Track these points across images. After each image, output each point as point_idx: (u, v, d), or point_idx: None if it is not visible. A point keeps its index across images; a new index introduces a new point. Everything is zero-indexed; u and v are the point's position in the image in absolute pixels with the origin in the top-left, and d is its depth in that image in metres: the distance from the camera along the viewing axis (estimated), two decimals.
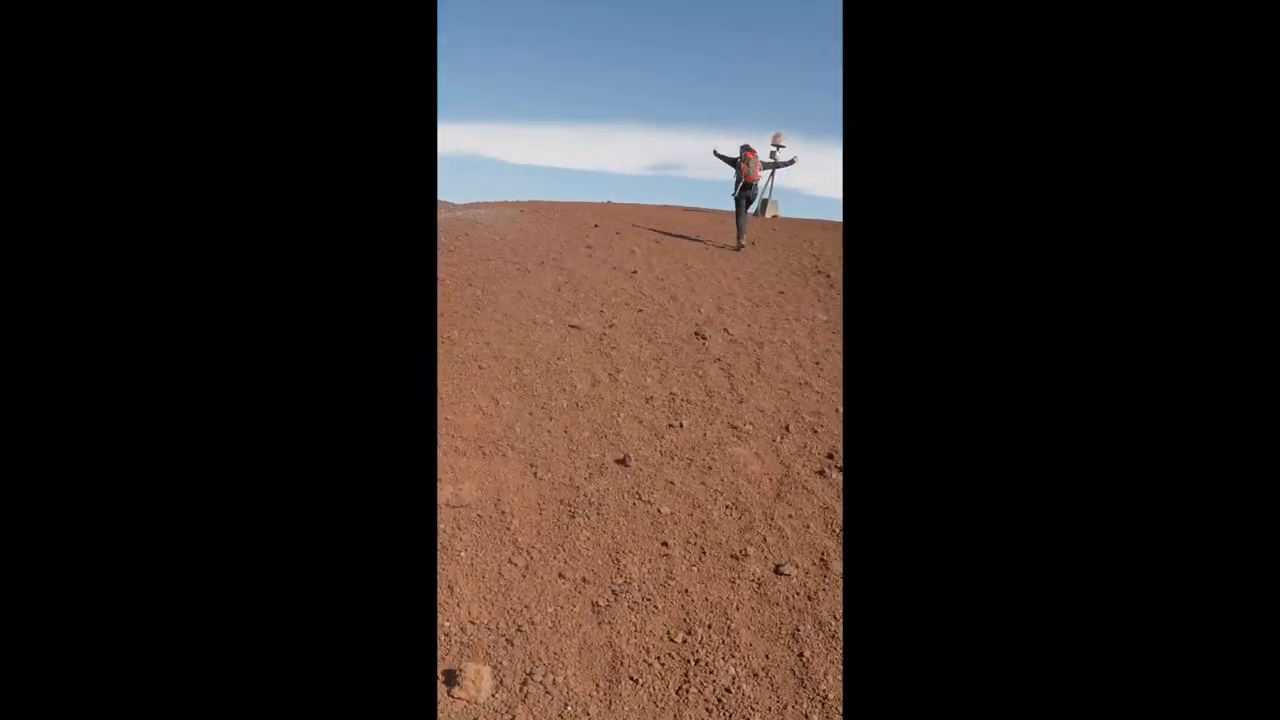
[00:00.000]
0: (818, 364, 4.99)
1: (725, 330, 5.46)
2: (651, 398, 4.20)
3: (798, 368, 4.88)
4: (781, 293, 6.98)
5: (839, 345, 5.46)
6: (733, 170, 8.87)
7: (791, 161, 10.10)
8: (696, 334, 5.26)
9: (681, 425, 3.91)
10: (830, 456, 3.75)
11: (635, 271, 6.99)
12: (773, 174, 14.93)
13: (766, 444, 3.81)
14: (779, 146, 15.14)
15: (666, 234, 10.57)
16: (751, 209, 9.49)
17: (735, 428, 3.95)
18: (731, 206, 9.23)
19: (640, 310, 5.75)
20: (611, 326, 5.29)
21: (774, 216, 15.53)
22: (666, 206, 17.66)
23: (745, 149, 8.83)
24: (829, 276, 7.97)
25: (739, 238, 9.00)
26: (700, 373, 4.62)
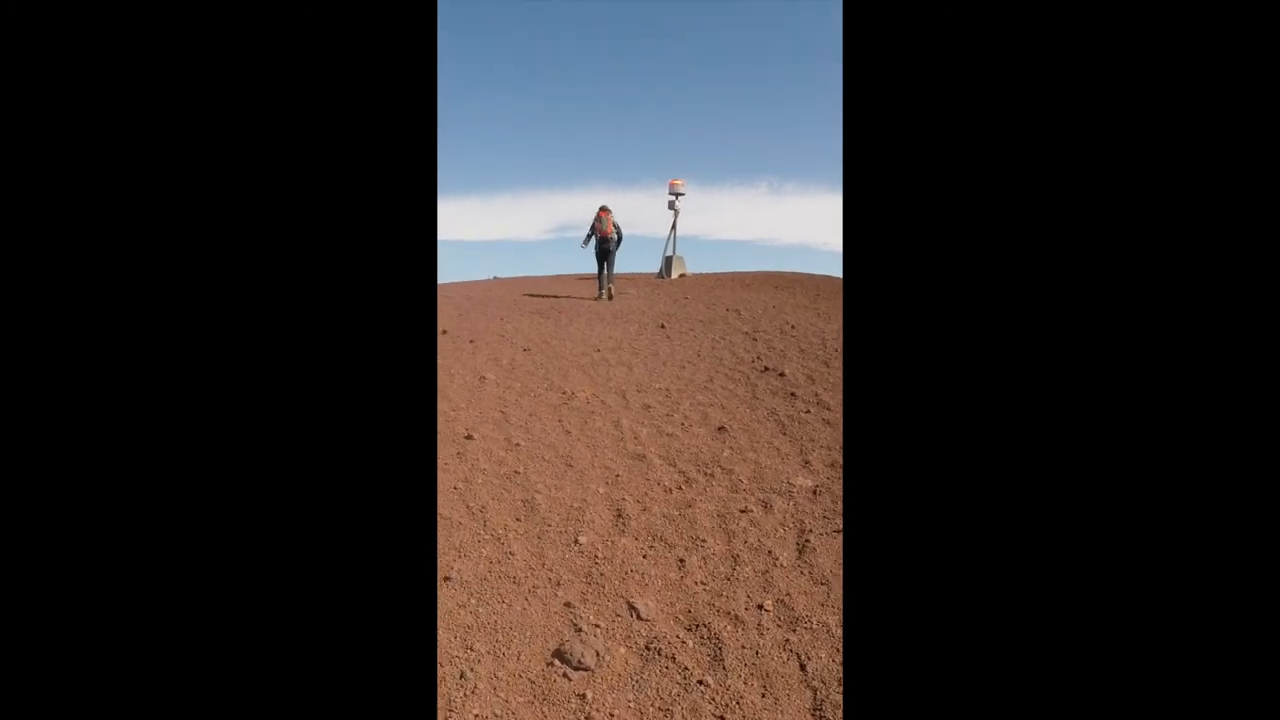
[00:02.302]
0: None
1: (633, 609, 2.37)
2: None
3: None
4: (721, 428, 4.01)
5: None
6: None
7: (619, 240, 9.59)
8: (560, 659, 2.14)
9: None
10: None
11: (470, 436, 3.86)
12: (673, 229, 12.38)
13: None
14: (678, 194, 12.60)
15: (547, 315, 7.56)
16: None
17: None
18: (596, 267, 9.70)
19: (446, 577, 2.59)
20: None
21: (682, 276, 12.81)
22: (558, 276, 14.74)
23: (601, 209, 9.35)
24: (783, 374, 5.08)
25: (600, 290, 9.42)
26: None
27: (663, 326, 7.10)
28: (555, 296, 10.29)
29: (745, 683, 2.02)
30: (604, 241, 9.28)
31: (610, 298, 9.24)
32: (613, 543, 2.75)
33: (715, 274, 13.25)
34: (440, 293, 10.50)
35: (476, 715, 1.88)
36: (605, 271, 9.41)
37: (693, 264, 13.13)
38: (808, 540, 2.79)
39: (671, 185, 12.47)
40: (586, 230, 9.37)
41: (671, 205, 12.53)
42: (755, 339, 6.38)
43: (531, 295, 10.46)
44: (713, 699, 1.96)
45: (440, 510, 3.05)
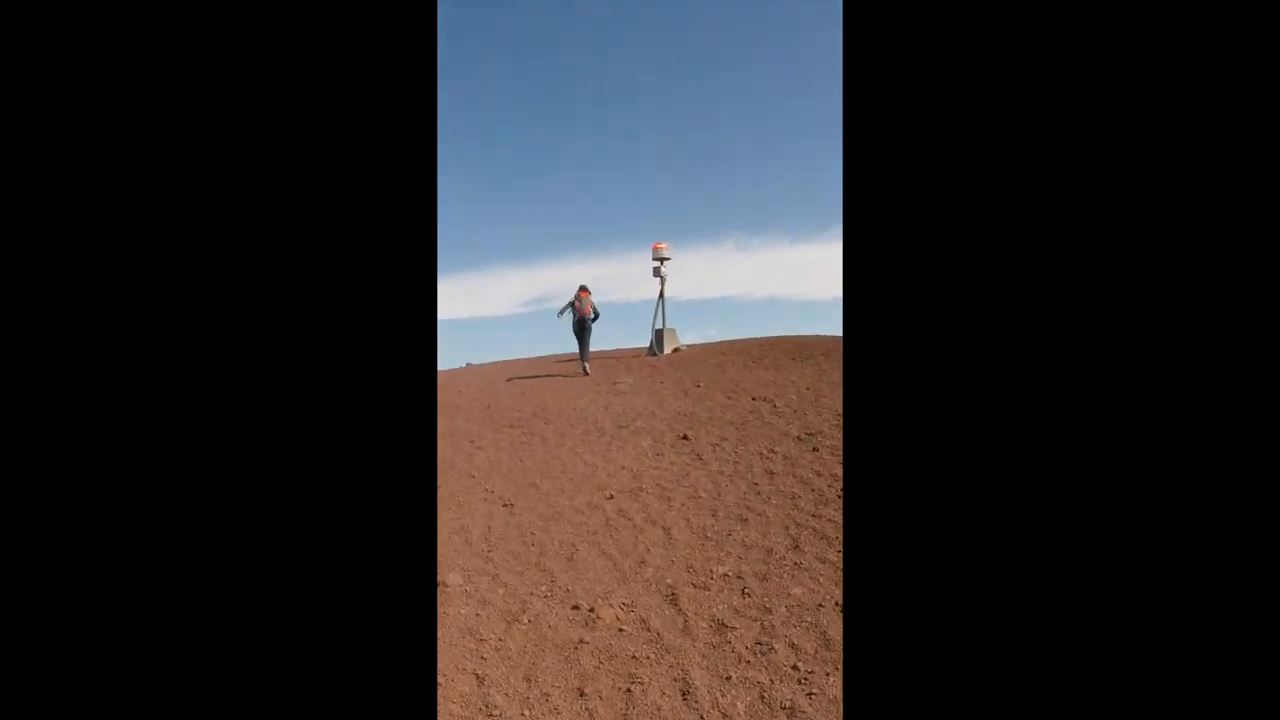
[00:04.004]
0: None
1: None
2: None
3: None
4: None
5: None
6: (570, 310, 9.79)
7: (595, 317, 9.85)
8: None
9: None
10: None
11: None
12: (661, 299, 10.75)
13: None
14: (663, 259, 11.01)
15: (532, 431, 5.70)
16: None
17: None
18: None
19: None
20: None
21: (676, 350, 11.08)
22: (537, 358, 12.94)
23: (580, 288, 9.81)
24: None
25: (583, 366, 9.84)
26: None
27: (685, 438, 5.29)
28: (539, 376, 8.63)
29: None
30: (582, 320, 9.77)
31: (585, 374, 9.80)
32: None
33: (711, 344, 11.58)
34: None
35: None
36: (584, 350, 9.99)
37: (678, 331, 11.45)
38: None
39: (655, 249, 10.91)
40: (564, 304, 9.85)
41: (657, 272, 10.94)
42: (817, 449, 4.62)
43: (513, 378, 8.78)
44: None
45: None
